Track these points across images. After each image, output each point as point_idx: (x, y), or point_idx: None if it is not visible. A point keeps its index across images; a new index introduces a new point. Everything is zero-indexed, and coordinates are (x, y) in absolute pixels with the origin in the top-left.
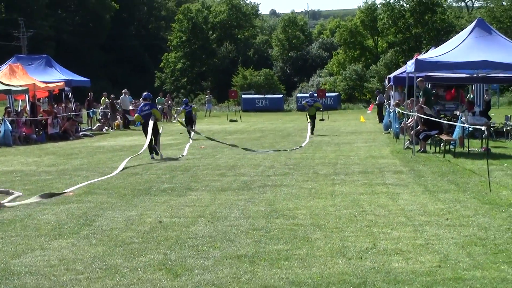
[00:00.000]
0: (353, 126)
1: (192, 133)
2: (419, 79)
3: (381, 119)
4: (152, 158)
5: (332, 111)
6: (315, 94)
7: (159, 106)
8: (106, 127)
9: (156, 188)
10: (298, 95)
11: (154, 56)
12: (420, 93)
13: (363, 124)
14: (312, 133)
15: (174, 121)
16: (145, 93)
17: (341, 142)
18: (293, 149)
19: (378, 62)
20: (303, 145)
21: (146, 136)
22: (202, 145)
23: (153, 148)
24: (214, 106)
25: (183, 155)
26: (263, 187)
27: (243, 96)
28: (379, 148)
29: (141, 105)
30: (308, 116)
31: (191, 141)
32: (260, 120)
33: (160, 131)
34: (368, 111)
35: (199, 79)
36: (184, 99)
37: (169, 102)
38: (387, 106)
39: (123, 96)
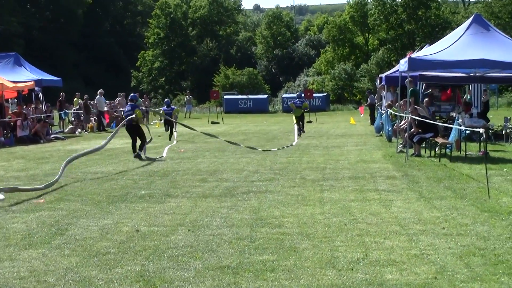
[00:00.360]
0: (342, 128)
1: (175, 134)
2: (407, 80)
3: (372, 121)
4: (138, 156)
5: (320, 112)
6: (303, 95)
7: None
8: (79, 130)
9: (133, 194)
10: (284, 95)
11: (130, 54)
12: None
13: (353, 126)
14: (300, 134)
15: (152, 123)
16: (132, 94)
17: (330, 146)
18: (290, 145)
19: (369, 61)
20: (294, 144)
21: (131, 138)
22: (182, 148)
23: (136, 148)
24: (194, 107)
25: (162, 156)
26: (247, 193)
27: (225, 96)
28: (370, 152)
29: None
30: (295, 118)
31: (174, 142)
32: (243, 122)
33: (148, 138)
34: (361, 115)
35: (178, 79)
36: (166, 99)
37: (146, 103)
38: (378, 107)
39: (98, 96)
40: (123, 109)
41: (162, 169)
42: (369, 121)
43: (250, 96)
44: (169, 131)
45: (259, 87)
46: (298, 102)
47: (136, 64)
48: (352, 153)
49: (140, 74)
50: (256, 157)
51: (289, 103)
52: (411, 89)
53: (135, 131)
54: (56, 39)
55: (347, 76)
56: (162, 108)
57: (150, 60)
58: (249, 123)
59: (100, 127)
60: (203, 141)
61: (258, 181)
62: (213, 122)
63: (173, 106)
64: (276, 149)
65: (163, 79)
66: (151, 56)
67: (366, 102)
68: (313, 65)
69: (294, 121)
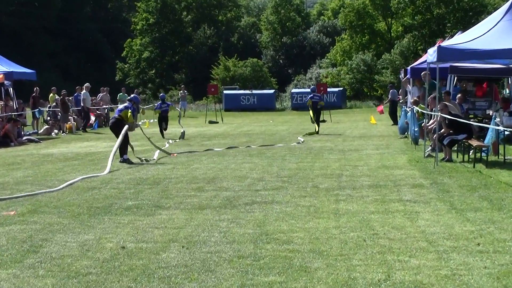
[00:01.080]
0: (361, 128)
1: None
2: (423, 72)
3: (394, 120)
4: (125, 161)
5: (335, 110)
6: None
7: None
8: (55, 131)
9: (118, 205)
10: (294, 90)
11: (114, 43)
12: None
13: (373, 126)
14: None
15: (140, 123)
16: (133, 95)
17: (346, 149)
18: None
19: (392, 50)
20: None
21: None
22: (174, 152)
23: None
24: (189, 104)
25: (153, 159)
26: (251, 204)
27: (225, 92)
28: (393, 156)
29: None
30: (313, 115)
31: (167, 145)
32: (246, 122)
33: (132, 144)
34: (381, 114)
35: (171, 71)
36: (161, 94)
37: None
38: (403, 104)
39: (84, 91)
40: (106, 106)
41: (152, 176)
42: (391, 120)
43: (254, 92)
44: (164, 131)
45: (264, 80)
46: (316, 97)
47: (122, 55)
48: (373, 157)
49: (126, 66)
50: (261, 163)
51: (309, 97)
52: (429, 82)
53: (120, 130)
54: (29, 25)
55: (367, 68)
56: (157, 104)
57: (138, 50)
58: (253, 123)
59: (85, 128)
60: (199, 143)
61: (264, 190)
62: (211, 122)
63: (168, 103)
64: (298, 141)
65: (153, 71)
66: (139, 45)
67: (388, 98)
68: (327, 55)
69: (312, 118)
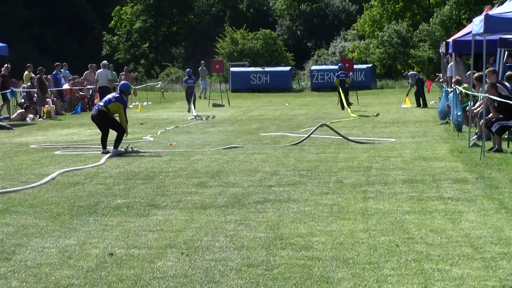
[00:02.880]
0: (394, 112)
1: (193, 109)
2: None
3: (419, 103)
4: (106, 153)
5: (363, 91)
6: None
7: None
8: (30, 115)
9: (105, 204)
10: (314, 67)
11: (100, 11)
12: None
13: (408, 110)
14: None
15: (131, 106)
16: (123, 82)
17: (376, 137)
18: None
19: (430, 20)
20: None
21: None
22: (173, 141)
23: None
24: None
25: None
26: (263, 203)
27: (232, 69)
28: (432, 146)
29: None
30: (342, 95)
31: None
32: (257, 105)
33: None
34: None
35: (168, 45)
36: (188, 69)
37: (123, 78)
38: (444, 84)
39: (102, 70)
40: (91, 86)
41: (146, 170)
42: (421, 102)
43: (267, 69)
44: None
45: (278, 56)
46: (342, 75)
47: (110, 25)
48: (408, 147)
49: (115, 38)
50: (275, 153)
51: (337, 74)
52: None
53: (104, 122)
54: None
55: (401, 41)
56: (184, 79)
57: (128, 19)
58: (265, 106)
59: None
60: (201, 130)
61: (278, 186)
62: (215, 105)
63: (194, 78)
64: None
65: (147, 45)
66: (129, 13)
67: (409, 83)
68: (353, 25)
69: (343, 99)
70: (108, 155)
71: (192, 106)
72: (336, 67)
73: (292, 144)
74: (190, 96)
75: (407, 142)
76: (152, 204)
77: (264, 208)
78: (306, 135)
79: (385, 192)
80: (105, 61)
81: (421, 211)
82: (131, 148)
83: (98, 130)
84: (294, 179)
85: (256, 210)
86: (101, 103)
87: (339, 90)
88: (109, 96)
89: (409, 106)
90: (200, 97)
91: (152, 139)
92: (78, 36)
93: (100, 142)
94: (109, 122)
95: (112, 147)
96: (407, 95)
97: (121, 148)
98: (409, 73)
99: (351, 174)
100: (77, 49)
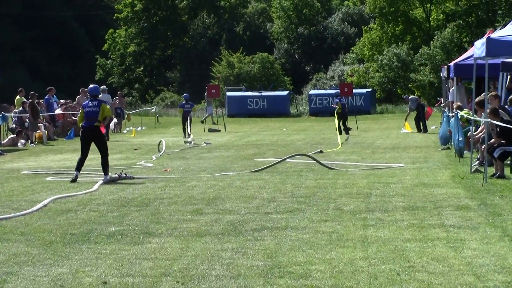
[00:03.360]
0: (394, 138)
1: (189, 131)
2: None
3: (419, 128)
4: (75, 178)
5: (362, 116)
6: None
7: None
8: (22, 141)
9: (99, 232)
10: (312, 92)
11: (94, 34)
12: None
13: (409, 135)
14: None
15: (125, 131)
16: (91, 85)
17: (376, 163)
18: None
19: (431, 43)
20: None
21: (83, 150)
22: (167, 167)
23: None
24: None
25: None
26: (260, 230)
27: (228, 93)
28: (433, 172)
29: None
30: (338, 121)
31: (189, 140)
32: (254, 130)
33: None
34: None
35: (163, 69)
36: (185, 94)
37: (117, 102)
38: (445, 109)
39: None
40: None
41: (140, 196)
42: (421, 127)
43: (264, 93)
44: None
45: (276, 80)
46: (343, 100)
47: (103, 48)
48: (408, 173)
49: (108, 62)
50: (272, 179)
51: (336, 100)
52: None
53: (96, 139)
54: None
55: (401, 65)
56: (180, 104)
57: (122, 43)
58: (262, 131)
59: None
60: (197, 156)
61: (275, 213)
62: (211, 130)
63: (191, 103)
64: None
65: (141, 69)
66: (123, 37)
67: (408, 108)
68: (352, 49)
69: (339, 126)
70: (100, 181)
71: (189, 129)
72: (335, 91)
73: (255, 171)
74: (185, 121)
75: (407, 168)
76: (147, 232)
77: (261, 235)
78: (279, 160)
79: (385, 219)
80: (104, 86)
81: (422, 239)
82: (125, 174)
83: (91, 155)
84: (292, 206)
85: (253, 238)
86: (91, 120)
87: (338, 117)
88: (89, 109)
89: (409, 131)
90: (202, 122)
91: (151, 164)
92: (70, 60)
93: (77, 163)
94: (101, 140)
95: (103, 174)
96: (405, 119)
97: (114, 174)
98: (409, 97)
99: (350, 201)
100: (70, 73)
